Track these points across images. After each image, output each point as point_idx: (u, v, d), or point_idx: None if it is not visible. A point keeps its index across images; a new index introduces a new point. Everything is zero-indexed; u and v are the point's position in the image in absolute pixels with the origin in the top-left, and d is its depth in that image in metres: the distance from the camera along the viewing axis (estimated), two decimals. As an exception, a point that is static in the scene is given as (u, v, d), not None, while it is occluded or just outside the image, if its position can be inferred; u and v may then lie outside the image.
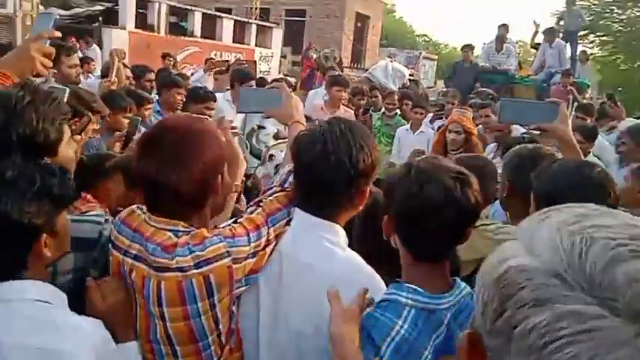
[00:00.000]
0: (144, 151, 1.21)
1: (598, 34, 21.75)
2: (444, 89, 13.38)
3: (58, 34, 1.56)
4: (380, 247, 1.27)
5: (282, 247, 1.29)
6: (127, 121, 3.59)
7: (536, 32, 9.62)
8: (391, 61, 10.42)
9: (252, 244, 1.22)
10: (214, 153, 1.22)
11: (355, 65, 24.87)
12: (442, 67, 32.38)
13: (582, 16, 10.00)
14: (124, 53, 3.95)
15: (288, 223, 1.31)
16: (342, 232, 1.31)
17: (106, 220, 1.37)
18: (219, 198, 1.28)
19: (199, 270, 1.15)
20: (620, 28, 22.09)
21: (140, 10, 12.07)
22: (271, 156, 3.74)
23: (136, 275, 1.20)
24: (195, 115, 2.60)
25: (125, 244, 1.23)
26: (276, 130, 4.95)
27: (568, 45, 9.21)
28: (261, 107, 1.81)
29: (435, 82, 28.59)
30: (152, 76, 5.00)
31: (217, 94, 4.89)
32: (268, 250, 1.26)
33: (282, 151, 3.69)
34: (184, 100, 4.26)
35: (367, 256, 1.31)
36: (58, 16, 1.65)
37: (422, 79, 26.69)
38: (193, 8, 13.86)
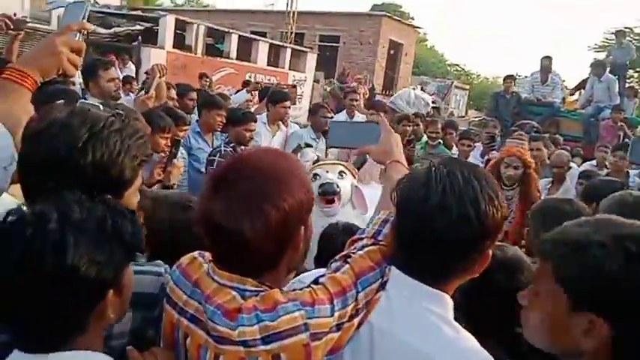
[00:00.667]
0: (214, 190, 0.98)
1: (638, 69, 21.21)
2: (477, 118, 13.04)
3: (90, 26, 1.34)
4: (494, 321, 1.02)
5: (375, 318, 1.03)
6: (164, 142, 3.43)
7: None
8: (414, 89, 10.23)
9: (337, 314, 0.97)
10: (299, 198, 0.98)
11: (387, 92, 24.78)
12: (473, 97, 32.14)
13: (632, 49, 9.63)
14: (166, 69, 3.80)
15: (382, 287, 1.05)
16: (451, 304, 1.05)
17: (166, 270, 1.14)
18: (299, 254, 1.04)
19: (268, 346, 0.91)
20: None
21: (179, 31, 12.16)
22: (315, 175, 3.54)
23: (192, 343, 0.97)
24: (275, 148, 2.37)
25: (182, 300, 1.01)
26: (316, 157, 4.75)
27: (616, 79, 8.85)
28: (355, 142, 1.57)
29: (467, 112, 28.34)
30: (194, 95, 4.87)
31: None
32: (356, 321, 1.01)
33: (327, 171, 3.48)
34: (224, 121, 4.12)
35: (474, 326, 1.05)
36: (89, 5, 1.41)
37: (453, 109, 26.53)
38: (230, 30, 13.95)
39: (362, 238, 1.15)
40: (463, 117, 21.01)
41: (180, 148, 3.89)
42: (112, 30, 12.24)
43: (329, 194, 3.32)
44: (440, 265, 1.02)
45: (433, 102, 11.19)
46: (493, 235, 1.01)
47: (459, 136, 5.64)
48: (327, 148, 3.89)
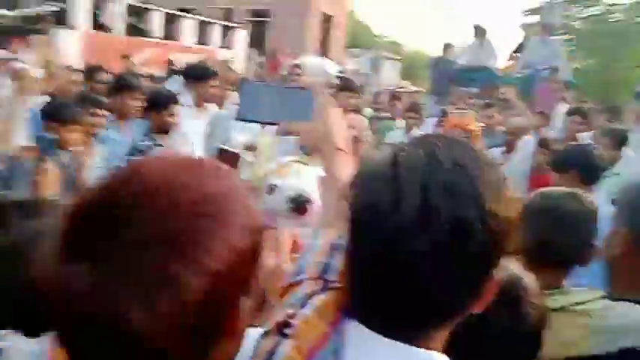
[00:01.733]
0: (74, 245, 0.52)
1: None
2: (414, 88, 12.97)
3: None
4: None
5: None
6: (76, 136, 2.95)
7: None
8: (323, 58, 9.79)
9: None
10: (240, 246, 0.55)
11: (320, 66, 24.42)
12: (405, 69, 32.35)
13: (560, 11, 9.75)
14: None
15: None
16: None
17: None
18: (237, 344, 0.60)
19: None
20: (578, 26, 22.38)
21: (96, 11, 11.23)
22: (272, 187, 3.12)
23: None
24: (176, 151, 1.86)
25: None
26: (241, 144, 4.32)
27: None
28: (278, 116, 1.09)
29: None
30: (105, 76, 4.26)
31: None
32: None
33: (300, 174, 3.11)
34: (141, 106, 3.59)
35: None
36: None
37: (385, 79, 26.54)
38: (153, 7, 13.07)
39: (300, 282, 0.75)
40: (402, 88, 21.01)
41: (93, 141, 3.40)
42: (18, 11, 11.13)
43: (301, 204, 2.98)
44: (425, 308, 0.62)
45: (341, 72, 10.58)
46: (501, 248, 0.63)
47: (406, 107, 5.45)
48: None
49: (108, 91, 3.82)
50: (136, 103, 3.68)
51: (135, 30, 12.61)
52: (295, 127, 1.10)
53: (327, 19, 22.84)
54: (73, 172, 3.02)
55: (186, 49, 13.17)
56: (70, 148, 3.02)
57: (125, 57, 8.24)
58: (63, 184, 2.91)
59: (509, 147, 4.28)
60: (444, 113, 5.33)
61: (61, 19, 10.66)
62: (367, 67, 26.81)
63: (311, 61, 8.91)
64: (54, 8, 11.22)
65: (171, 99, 3.49)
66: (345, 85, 4.46)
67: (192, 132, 4.28)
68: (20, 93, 3.06)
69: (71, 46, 9.18)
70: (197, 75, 4.28)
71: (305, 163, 3.31)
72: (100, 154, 3.37)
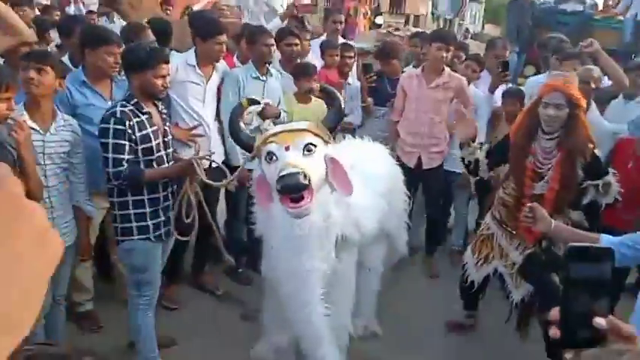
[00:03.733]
0: None
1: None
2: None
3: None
4: None
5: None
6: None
7: None
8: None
9: None
10: None
11: (396, 11, 22.77)
12: (490, 11, 29.60)
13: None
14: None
15: None
16: None
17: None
18: None
19: None
20: None
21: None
22: (270, 155, 2.45)
23: None
24: None
25: None
26: (261, 106, 3.54)
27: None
28: None
29: (483, 27, 26.11)
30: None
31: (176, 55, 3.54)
32: None
33: (287, 147, 2.39)
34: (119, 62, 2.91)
35: None
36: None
37: (469, 24, 24.35)
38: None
39: None
40: (477, 33, 19.09)
41: (58, 111, 2.76)
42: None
43: (294, 192, 2.25)
44: None
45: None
46: None
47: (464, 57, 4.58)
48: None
49: (79, 45, 3.15)
50: (112, 58, 3.01)
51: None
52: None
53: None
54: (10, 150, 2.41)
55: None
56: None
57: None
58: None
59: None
60: (505, 67, 4.25)
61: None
62: (448, 10, 24.67)
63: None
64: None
65: (156, 56, 2.74)
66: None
67: (198, 95, 3.62)
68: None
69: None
70: (206, 33, 3.54)
71: (319, 133, 2.52)
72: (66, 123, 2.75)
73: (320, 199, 2.40)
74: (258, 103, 3.36)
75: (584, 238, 2.25)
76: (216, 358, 3.19)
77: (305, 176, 2.20)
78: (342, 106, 4.60)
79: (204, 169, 2.89)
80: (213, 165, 3.26)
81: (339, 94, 3.16)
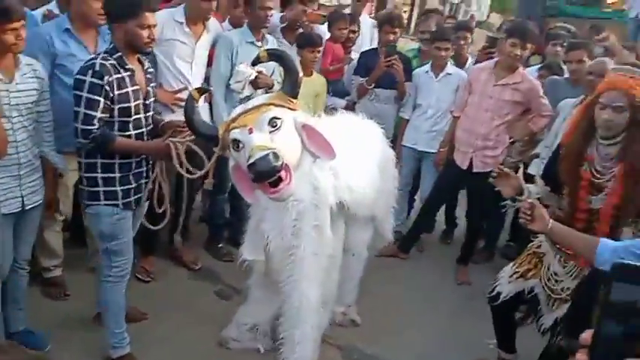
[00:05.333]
0: None
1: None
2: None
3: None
4: None
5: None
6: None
7: None
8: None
9: None
10: None
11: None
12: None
13: None
14: None
15: None
16: None
17: None
18: None
19: None
20: None
21: None
22: (235, 143, 2.29)
23: None
24: None
25: None
26: (254, 74, 3.31)
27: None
28: None
29: (489, 16, 25.70)
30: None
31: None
32: None
33: (251, 130, 2.20)
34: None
35: None
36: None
37: (474, 11, 24.00)
38: None
39: None
40: (483, 21, 18.72)
41: (21, 57, 2.53)
42: None
43: (268, 176, 2.09)
44: None
45: None
46: None
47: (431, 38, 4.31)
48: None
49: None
50: (97, 5, 2.76)
51: None
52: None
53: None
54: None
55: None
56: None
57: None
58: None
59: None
60: (494, 43, 4.03)
61: None
62: (453, -5, 24.21)
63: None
64: None
65: (139, 4, 2.47)
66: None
67: (186, 53, 3.38)
68: None
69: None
70: None
71: (281, 103, 2.33)
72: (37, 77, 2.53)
73: (302, 172, 2.24)
74: (208, 92, 3.13)
75: (581, 242, 2.09)
76: (186, 334, 3.04)
77: (276, 156, 2.06)
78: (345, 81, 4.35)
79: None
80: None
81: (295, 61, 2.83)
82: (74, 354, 2.80)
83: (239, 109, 2.32)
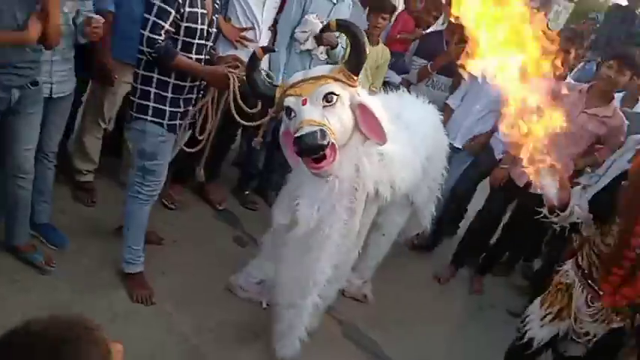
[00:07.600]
0: None
1: None
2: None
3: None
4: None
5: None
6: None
7: None
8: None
9: None
10: None
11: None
12: (578, 13, 27.82)
13: None
14: None
15: None
16: None
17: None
18: None
19: None
20: None
21: None
22: (288, 111, 2.21)
23: None
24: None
25: None
26: (322, 26, 3.21)
27: None
28: None
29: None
30: None
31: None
32: None
33: (305, 101, 2.13)
34: None
35: None
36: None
37: (550, 21, 23.01)
38: None
39: None
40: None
41: None
42: None
43: (312, 153, 2.04)
44: None
45: None
46: None
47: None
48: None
49: None
50: None
51: None
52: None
53: None
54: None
55: None
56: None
57: None
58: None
59: None
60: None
61: None
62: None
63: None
64: None
65: None
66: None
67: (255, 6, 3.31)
68: None
69: None
70: None
71: (343, 78, 2.23)
72: None
73: (349, 151, 2.18)
74: (273, 51, 3.04)
75: None
76: (197, 270, 3.05)
77: (324, 134, 2.02)
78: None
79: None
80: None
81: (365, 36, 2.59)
82: (92, 260, 2.86)
83: (299, 75, 2.23)
